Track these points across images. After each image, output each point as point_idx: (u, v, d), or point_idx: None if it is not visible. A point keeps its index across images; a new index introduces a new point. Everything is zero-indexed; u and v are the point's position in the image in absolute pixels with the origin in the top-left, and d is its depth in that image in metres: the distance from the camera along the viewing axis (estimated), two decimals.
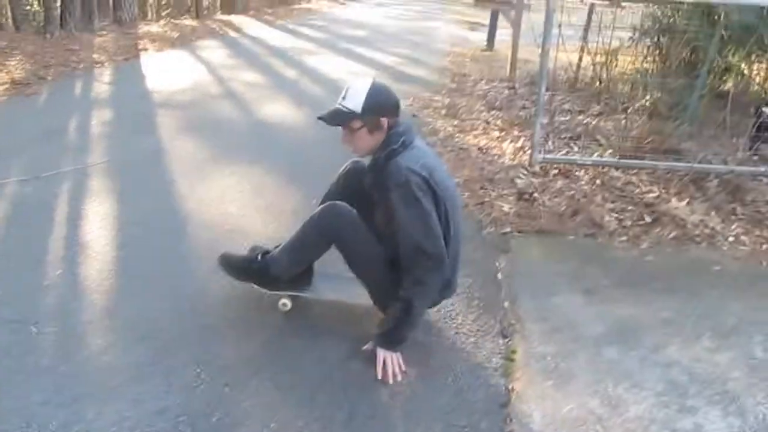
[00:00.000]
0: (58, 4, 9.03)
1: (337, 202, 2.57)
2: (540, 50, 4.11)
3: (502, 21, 10.57)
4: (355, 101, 2.40)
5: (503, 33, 11.15)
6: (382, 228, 2.52)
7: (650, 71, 5.56)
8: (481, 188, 4.25)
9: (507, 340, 2.70)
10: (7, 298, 2.74)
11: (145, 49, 9.02)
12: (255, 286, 2.74)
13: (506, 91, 7.24)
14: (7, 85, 6.42)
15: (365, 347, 2.49)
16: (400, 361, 2.42)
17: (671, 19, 5.92)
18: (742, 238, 3.68)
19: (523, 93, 7.09)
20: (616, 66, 6.34)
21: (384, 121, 2.43)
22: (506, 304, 2.98)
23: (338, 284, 2.86)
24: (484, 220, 3.82)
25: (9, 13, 10.30)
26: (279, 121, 5.81)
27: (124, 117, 5.65)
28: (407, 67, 8.91)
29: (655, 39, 6.11)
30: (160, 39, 9.81)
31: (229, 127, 5.55)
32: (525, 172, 4.51)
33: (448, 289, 2.63)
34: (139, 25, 10.80)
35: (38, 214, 3.59)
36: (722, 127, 5.14)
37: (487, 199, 4.07)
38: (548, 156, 4.38)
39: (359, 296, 2.69)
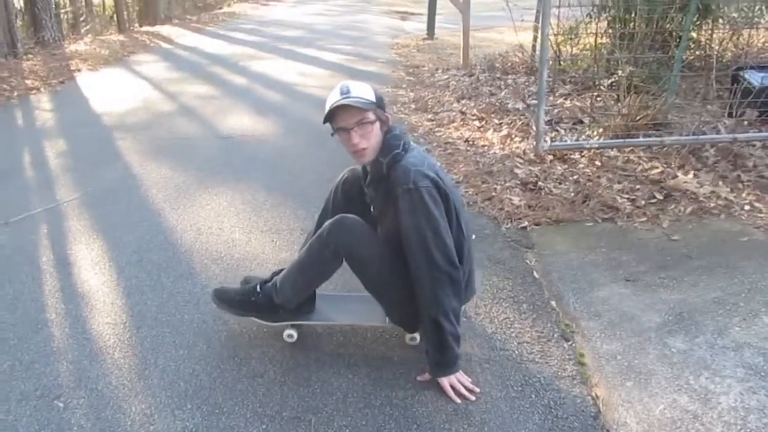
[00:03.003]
0: None
1: (346, 214, 2.35)
2: (538, 33, 3.96)
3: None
4: (366, 93, 2.20)
5: (438, 20, 11.10)
6: (391, 239, 2.32)
7: (616, 46, 5.50)
8: (483, 182, 4.10)
9: (570, 342, 2.55)
10: (19, 369, 2.41)
11: (79, 70, 8.45)
12: (255, 320, 2.53)
13: (467, 79, 7.12)
14: None
15: (420, 378, 2.32)
16: (465, 376, 2.27)
17: None
18: (757, 205, 3.66)
19: (484, 79, 6.97)
20: (579, 42, 6.29)
21: (388, 117, 2.26)
22: (553, 303, 2.84)
23: (343, 305, 2.69)
24: (499, 215, 3.67)
25: None
26: (248, 133, 5.49)
27: (79, 146, 5.21)
28: (357, 64, 8.68)
29: (614, 13, 6.08)
30: (91, 57, 9.23)
31: (197, 145, 5.20)
32: (521, 161, 4.39)
33: (468, 290, 2.44)
34: (63, 45, 10.15)
35: (21, 265, 3.21)
36: (696, 96, 5.18)
37: (494, 194, 3.91)
38: (555, 144, 4.25)
39: (368, 316, 2.54)
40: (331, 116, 2.20)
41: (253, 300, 2.48)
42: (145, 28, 13.34)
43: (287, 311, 2.48)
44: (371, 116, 2.19)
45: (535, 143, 4.24)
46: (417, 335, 2.51)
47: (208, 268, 3.13)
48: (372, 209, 2.42)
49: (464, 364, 2.38)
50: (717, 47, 5.56)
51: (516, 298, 2.87)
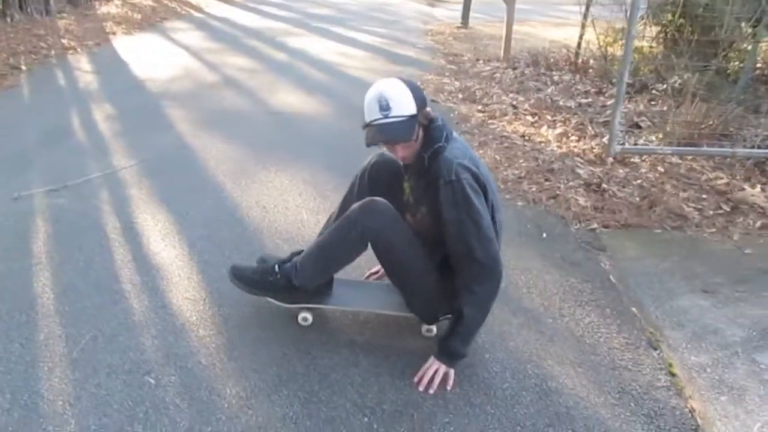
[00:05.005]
0: None
1: (376, 198, 2.30)
2: (625, 31, 3.87)
3: None
4: (406, 105, 2.12)
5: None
6: (424, 230, 2.29)
7: (671, 51, 5.43)
8: (546, 180, 4.05)
9: (658, 352, 2.51)
10: (102, 341, 2.35)
11: (114, 33, 8.34)
12: (271, 300, 2.48)
13: (511, 72, 7.03)
14: None
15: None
16: (450, 378, 2.22)
17: None
18: None
19: (529, 74, 6.88)
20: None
21: (429, 113, 2.20)
22: (634, 310, 2.79)
23: (361, 292, 2.65)
24: (566, 215, 3.62)
25: None
26: (297, 111, 5.40)
27: (127, 111, 5.13)
28: (394, 47, 8.57)
29: (670, 17, 5.99)
30: (124, 21, 9.10)
31: (248, 119, 5.12)
32: (581, 161, 4.33)
33: None
34: (95, 6, 10.00)
35: (87, 231, 3.15)
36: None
37: (558, 193, 3.86)
38: (628, 147, 4.19)
39: (386, 304, 2.51)
40: None
41: (270, 280, 2.43)
42: None
43: (304, 293, 2.44)
44: (413, 134, 2.15)
45: (607, 144, 4.17)
46: (434, 327, 2.47)
47: (279, 248, 3.07)
48: (409, 198, 2.37)
49: (557, 366, 2.35)
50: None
51: (597, 302, 2.82)
